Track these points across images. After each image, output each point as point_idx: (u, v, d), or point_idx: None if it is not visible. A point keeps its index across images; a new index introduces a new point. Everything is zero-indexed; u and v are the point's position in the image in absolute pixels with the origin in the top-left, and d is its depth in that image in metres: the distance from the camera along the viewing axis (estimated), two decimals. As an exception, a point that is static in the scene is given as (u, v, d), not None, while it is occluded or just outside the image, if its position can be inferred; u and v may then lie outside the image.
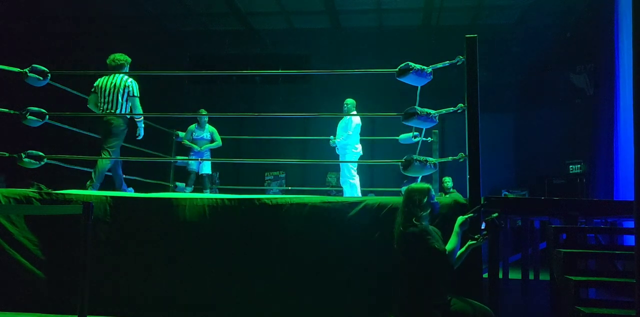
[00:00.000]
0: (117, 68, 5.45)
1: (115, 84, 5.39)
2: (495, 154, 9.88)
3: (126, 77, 5.45)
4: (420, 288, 3.16)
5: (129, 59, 5.56)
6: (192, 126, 7.69)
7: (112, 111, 5.36)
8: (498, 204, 3.95)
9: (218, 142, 7.71)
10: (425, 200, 3.27)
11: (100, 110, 5.41)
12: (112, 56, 5.49)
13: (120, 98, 5.38)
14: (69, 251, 3.99)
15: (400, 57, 4.76)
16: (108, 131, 5.30)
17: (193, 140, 7.63)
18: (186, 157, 7.68)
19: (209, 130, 7.72)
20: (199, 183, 7.64)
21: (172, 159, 7.85)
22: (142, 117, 5.61)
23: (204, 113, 7.27)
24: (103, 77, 5.50)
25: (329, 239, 3.90)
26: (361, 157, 7.14)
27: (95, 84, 5.52)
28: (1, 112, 4.70)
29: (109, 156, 5.24)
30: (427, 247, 3.14)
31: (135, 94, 5.44)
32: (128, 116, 5.42)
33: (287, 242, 3.95)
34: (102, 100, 5.40)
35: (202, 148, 7.61)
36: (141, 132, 5.64)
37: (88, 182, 5.18)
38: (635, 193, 2.09)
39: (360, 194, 6.82)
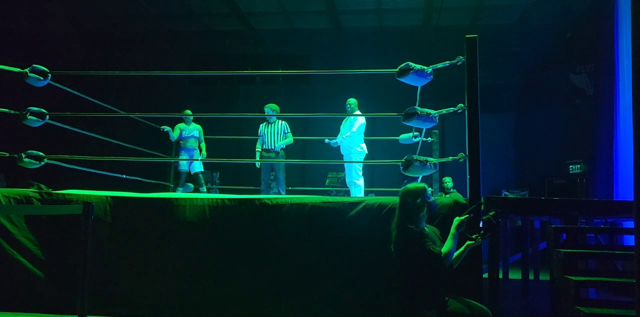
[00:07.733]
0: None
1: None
2: (495, 154, 9.88)
3: None
4: (417, 289, 3.15)
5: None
6: (182, 125, 7.72)
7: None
8: (498, 204, 3.95)
9: (202, 141, 7.84)
10: (419, 201, 3.22)
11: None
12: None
13: None
14: (69, 250, 3.99)
15: (400, 57, 4.76)
16: None
17: (182, 138, 7.67)
18: (185, 158, 7.67)
19: (196, 129, 7.79)
20: (193, 183, 7.65)
21: (172, 159, 7.85)
22: None
23: (189, 113, 7.37)
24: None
25: (329, 239, 3.90)
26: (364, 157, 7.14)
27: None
28: (1, 112, 4.70)
29: None
30: (423, 250, 3.12)
31: None
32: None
33: (287, 242, 3.95)
34: None
35: (190, 146, 7.68)
36: None
37: None
38: (635, 193, 2.08)
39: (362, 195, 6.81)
